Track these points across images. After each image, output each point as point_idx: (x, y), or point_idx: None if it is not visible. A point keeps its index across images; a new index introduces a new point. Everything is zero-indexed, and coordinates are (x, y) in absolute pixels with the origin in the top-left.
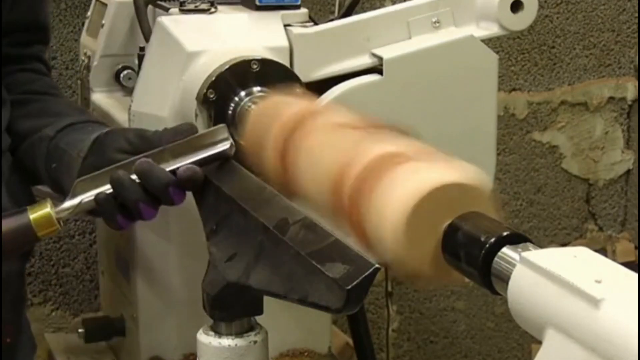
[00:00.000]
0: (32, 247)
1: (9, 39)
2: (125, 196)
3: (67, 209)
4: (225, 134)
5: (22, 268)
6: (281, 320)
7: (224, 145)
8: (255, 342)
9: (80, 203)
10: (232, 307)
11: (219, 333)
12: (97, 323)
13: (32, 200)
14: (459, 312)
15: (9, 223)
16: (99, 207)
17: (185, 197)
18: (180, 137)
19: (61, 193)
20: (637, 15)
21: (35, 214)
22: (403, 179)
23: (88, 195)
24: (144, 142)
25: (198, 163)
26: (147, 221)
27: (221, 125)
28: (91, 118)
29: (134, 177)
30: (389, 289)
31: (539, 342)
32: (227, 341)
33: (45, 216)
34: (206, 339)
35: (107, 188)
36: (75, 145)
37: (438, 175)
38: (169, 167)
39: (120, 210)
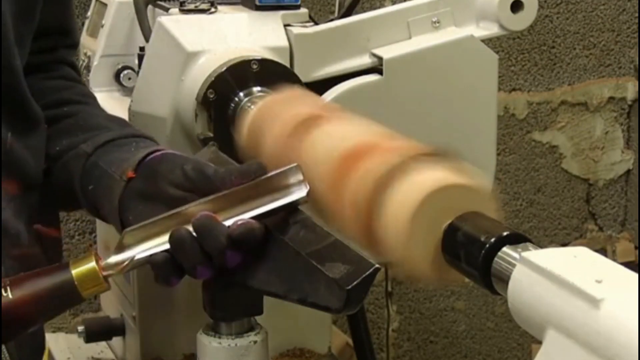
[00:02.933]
0: None
1: (32, 46)
2: (183, 259)
3: (116, 264)
4: (300, 176)
5: None
6: (281, 320)
7: (300, 192)
8: (255, 342)
9: (132, 260)
10: (232, 307)
11: (219, 333)
12: (97, 323)
13: (56, 230)
14: (459, 312)
15: (48, 281)
16: (154, 268)
17: (240, 259)
18: (247, 180)
19: (99, 217)
20: (637, 15)
21: (78, 270)
22: (404, 180)
23: (140, 251)
24: (204, 180)
25: (268, 213)
26: None
27: (294, 165)
28: (134, 131)
29: (191, 230)
30: (389, 289)
31: (539, 342)
32: (227, 341)
33: (90, 272)
34: (206, 339)
35: (161, 242)
36: (117, 165)
37: (439, 177)
38: (232, 219)
39: (176, 270)
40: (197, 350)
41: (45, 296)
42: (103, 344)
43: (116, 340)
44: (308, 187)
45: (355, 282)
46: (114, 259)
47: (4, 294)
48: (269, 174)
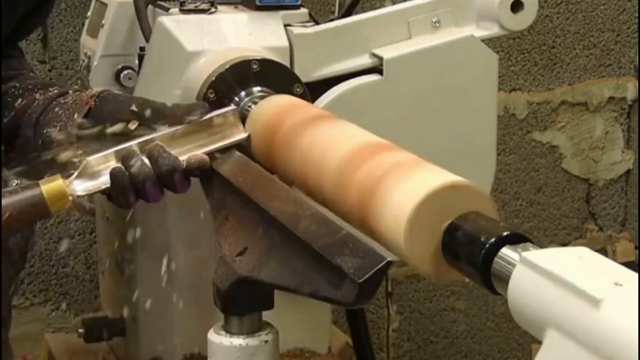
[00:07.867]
0: (27, 252)
1: None
2: (134, 173)
3: (84, 190)
4: (237, 118)
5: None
6: (281, 320)
7: (239, 134)
8: (266, 341)
9: (97, 186)
10: (243, 302)
11: (230, 332)
12: (97, 323)
13: None
14: (459, 312)
15: (20, 197)
16: (112, 182)
17: (189, 187)
18: (194, 116)
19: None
20: (637, 15)
21: (47, 187)
22: (405, 180)
23: (102, 179)
24: (153, 115)
25: (213, 151)
26: (148, 208)
27: (232, 108)
28: (69, 88)
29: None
30: (389, 289)
31: (539, 342)
32: (238, 340)
33: (58, 190)
34: (217, 339)
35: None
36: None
37: (439, 177)
38: (184, 155)
39: (130, 187)
40: (208, 349)
41: (18, 210)
42: (103, 344)
43: (116, 340)
44: (245, 129)
45: (367, 275)
46: (81, 185)
47: None
48: (210, 115)
